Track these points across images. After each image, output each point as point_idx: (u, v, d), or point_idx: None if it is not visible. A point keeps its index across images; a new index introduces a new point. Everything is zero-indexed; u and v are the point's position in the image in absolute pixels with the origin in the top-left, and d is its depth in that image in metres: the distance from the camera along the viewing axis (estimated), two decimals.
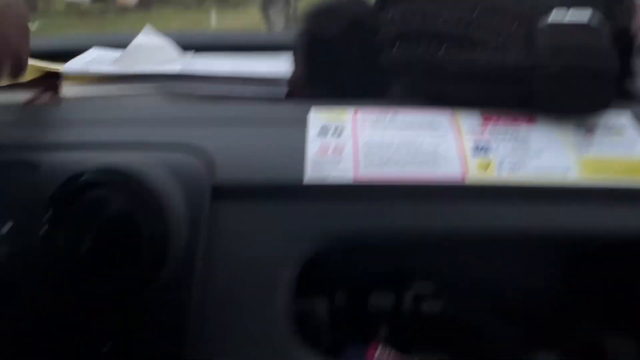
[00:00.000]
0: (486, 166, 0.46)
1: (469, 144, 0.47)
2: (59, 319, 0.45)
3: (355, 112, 0.51)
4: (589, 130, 0.50)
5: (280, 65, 0.61)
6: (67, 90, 0.59)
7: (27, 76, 0.57)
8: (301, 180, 0.46)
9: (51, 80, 0.62)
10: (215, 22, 4.46)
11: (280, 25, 3.88)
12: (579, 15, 0.51)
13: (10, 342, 0.46)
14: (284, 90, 0.59)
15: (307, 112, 0.51)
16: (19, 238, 0.45)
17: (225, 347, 0.46)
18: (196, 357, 0.45)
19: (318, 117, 0.51)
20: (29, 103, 0.61)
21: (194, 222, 0.45)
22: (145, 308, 0.45)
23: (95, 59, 0.65)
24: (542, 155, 0.47)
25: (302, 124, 0.50)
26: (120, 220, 0.43)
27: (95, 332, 0.45)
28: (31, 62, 0.54)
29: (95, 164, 0.44)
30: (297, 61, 0.59)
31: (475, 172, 0.46)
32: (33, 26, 0.53)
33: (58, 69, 0.61)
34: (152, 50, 0.64)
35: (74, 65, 0.62)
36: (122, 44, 0.66)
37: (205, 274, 0.45)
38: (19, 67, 0.51)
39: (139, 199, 0.43)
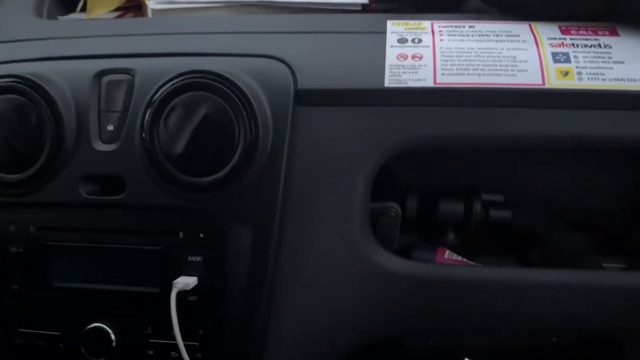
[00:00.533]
0: (566, 73, 0.46)
1: (548, 52, 0.48)
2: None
3: (433, 23, 0.52)
4: None
5: None
6: (154, 4, 0.61)
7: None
8: (381, 85, 0.48)
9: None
10: None
11: None
12: None
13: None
14: (361, 3, 0.60)
15: (385, 22, 0.52)
16: (122, 136, 0.49)
17: (303, 242, 0.49)
18: (277, 246, 0.48)
19: (396, 27, 0.52)
20: (119, 17, 0.64)
21: (279, 125, 0.48)
22: (239, 200, 0.48)
23: None
24: (623, 64, 0.47)
25: (381, 33, 0.51)
26: (215, 120, 0.46)
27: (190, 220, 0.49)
28: None
29: (189, 69, 0.48)
30: None
31: (554, 79, 0.46)
32: None
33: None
34: None
35: None
36: None
37: (289, 172, 0.48)
38: None
39: (232, 100, 0.46)
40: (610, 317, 0.50)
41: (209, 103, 0.46)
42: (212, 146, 0.47)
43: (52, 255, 0.51)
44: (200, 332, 0.49)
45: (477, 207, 0.53)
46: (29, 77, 0.49)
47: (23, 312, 0.52)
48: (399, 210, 0.52)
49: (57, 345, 0.51)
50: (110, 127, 0.50)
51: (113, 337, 0.49)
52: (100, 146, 0.50)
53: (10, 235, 0.51)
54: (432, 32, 0.51)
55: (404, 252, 0.54)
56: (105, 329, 0.49)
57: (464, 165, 0.55)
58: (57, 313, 0.51)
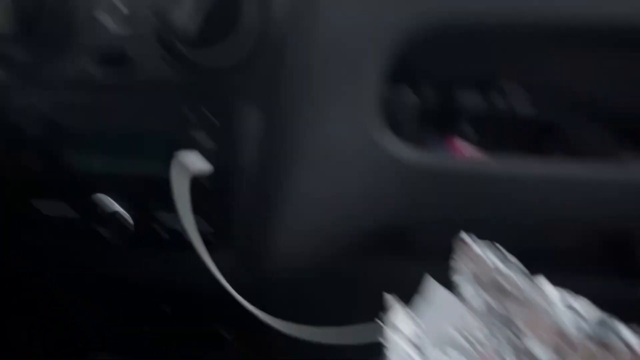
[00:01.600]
0: None
1: None
2: None
3: None
4: None
5: None
6: None
7: None
8: None
9: None
10: None
11: None
12: None
13: None
14: None
15: None
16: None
17: (315, 126, 0.48)
18: (289, 129, 0.48)
19: None
20: None
21: (295, 7, 0.46)
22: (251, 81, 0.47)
23: None
24: None
25: None
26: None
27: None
28: None
29: None
30: None
31: None
32: None
33: None
34: None
35: None
36: None
37: (302, 54, 0.47)
38: None
39: None
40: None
41: None
42: (223, 23, 0.45)
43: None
44: (213, 217, 0.49)
45: (497, 96, 0.51)
46: None
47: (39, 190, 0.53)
48: (416, 96, 0.50)
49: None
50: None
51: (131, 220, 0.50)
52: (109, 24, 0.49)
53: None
54: None
55: (418, 140, 0.53)
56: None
57: (483, 53, 0.52)
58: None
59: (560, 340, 0.34)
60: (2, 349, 0.64)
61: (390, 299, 0.37)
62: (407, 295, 0.43)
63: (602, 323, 0.31)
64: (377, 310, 0.48)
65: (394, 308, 0.36)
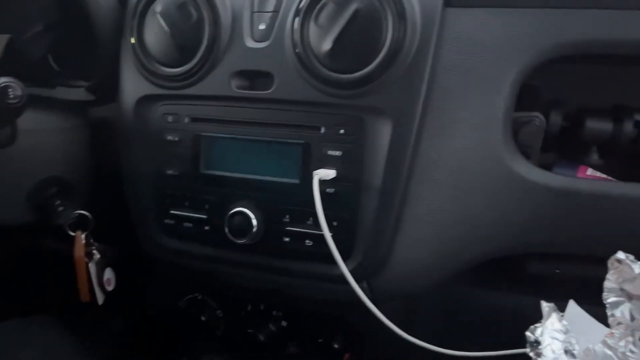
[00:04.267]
0: None
1: None
2: None
3: None
4: None
5: None
6: None
7: None
8: None
9: None
10: None
11: None
12: None
13: None
14: None
15: None
16: (273, 34, 0.52)
17: (442, 143, 0.49)
18: (416, 144, 0.49)
19: None
20: None
21: (426, 25, 0.48)
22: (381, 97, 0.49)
23: None
24: None
25: None
26: (364, 16, 0.47)
27: None
28: None
29: None
30: None
31: None
32: None
33: None
34: None
35: None
36: None
37: (433, 72, 0.48)
38: None
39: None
40: None
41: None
42: (359, 43, 0.48)
43: (203, 144, 0.55)
44: (335, 224, 0.51)
45: (628, 126, 0.51)
46: None
47: (174, 196, 0.57)
48: (544, 120, 0.51)
49: (202, 227, 0.56)
50: (262, 27, 0.53)
51: (254, 221, 0.53)
52: (251, 44, 0.53)
53: (168, 125, 0.56)
54: None
55: (546, 166, 0.53)
56: (247, 213, 0.53)
57: (617, 80, 0.52)
58: (204, 198, 0.56)
59: None
60: None
61: (545, 305, 0.36)
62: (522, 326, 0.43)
63: None
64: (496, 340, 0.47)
65: (549, 315, 0.36)
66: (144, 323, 0.74)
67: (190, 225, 0.56)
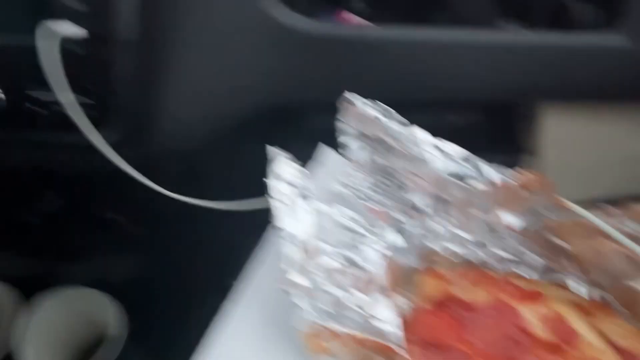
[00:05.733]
0: None
1: None
2: None
3: None
4: None
5: None
6: None
7: None
8: None
9: None
10: None
11: None
12: None
13: None
14: None
15: None
16: None
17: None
18: None
19: None
20: None
21: None
22: None
23: None
24: None
25: None
26: None
27: None
28: None
29: None
30: None
31: None
32: None
33: None
34: None
35: None
36: None
37: None
38: None
39: None
40: (510, 77, 0.51)
41: None
42: None
43: None
44: (89, 87, 0.46)
45: None
46: None
47: None
48: None
49: None
50: None
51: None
52: None
53: None
54: None
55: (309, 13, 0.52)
56: None
57: None
58: None
59: (438, 189, 0.37)
60: None
61: (272, 150, 0.37)
62: None
63: (466, 159, 0.33)
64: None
65: (276, 158, 0.36)
66: None
67: None
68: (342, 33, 0.49)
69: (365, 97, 0.41)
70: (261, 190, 0.38)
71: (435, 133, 0.59)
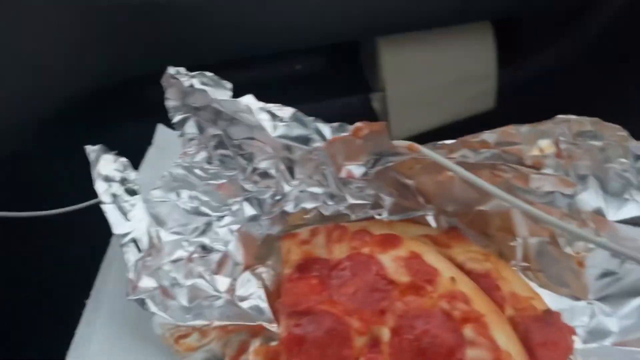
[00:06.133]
0: None
1: None
2: None
3: None
4: None
5: None
6: None
7: None
8: None
9: None
10: None
11: None
12: None
13: None
14: None
15: None
16: None
17: None
18: None
19: None
20: None
21: None
22: None
23: None
24: None
25: None
26: None
27: None
28: None
29: None
30: None
31: None
32: None
33: None
34: None
35: None
36: None
37: None
38: None
39: None
40: (345, 17, 0.50)
41: None
42: None
43: None
44: None
45: None
46: None
47: None
48: None
49: None
50: None
51: None
52: None
53: None
54: None
55: None
56: None
57: None
58: None
59: (277, 152, 0.35)
60: None
61: (93, 149, 0.33)
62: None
63: (295, 118, 0.32)
64: None
65: (99, 158, 0.33)
66: None
67: None
68: None
69: (196, 62, 0.37)
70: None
71: (284, 84, 0.57)
